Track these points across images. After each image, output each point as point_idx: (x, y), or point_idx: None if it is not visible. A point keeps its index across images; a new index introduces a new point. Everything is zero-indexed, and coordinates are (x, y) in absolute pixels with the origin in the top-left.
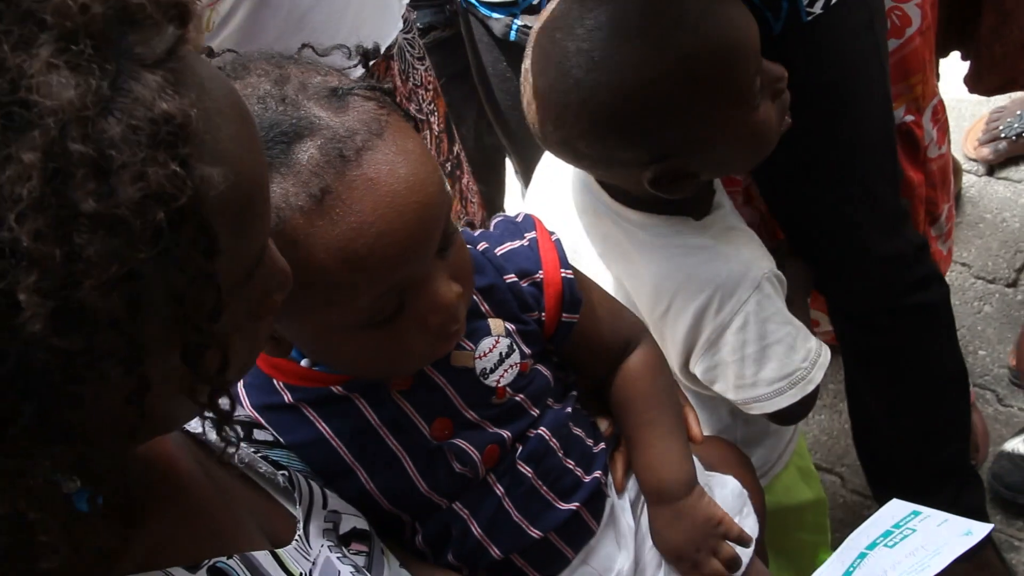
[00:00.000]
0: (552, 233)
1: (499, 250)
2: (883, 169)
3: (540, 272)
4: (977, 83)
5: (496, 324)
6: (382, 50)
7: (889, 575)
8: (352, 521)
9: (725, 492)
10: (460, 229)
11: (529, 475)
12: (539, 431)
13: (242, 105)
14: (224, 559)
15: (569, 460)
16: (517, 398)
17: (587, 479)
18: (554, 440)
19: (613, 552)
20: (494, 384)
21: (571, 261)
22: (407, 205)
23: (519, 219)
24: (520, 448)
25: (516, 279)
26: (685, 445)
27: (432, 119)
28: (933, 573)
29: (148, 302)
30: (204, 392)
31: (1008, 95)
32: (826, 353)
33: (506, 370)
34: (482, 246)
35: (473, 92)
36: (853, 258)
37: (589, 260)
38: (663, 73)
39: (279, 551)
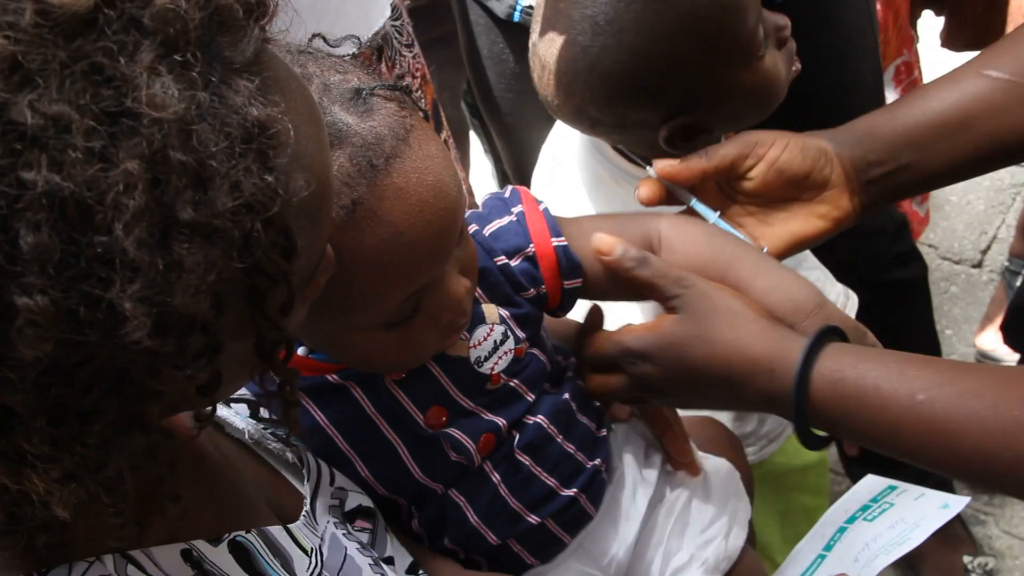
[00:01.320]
0: (540, 202)
1: (487, 229)
2: None
3: (531, 246)
4: (950, 39)
5: (490, 311)
6: (367, 38)
7: (870, 547)
8: (357, 498)
9: (719, 476)
10: None
11: (527, 463)
12: (537, 419)
13: (316, 106)
14: (243, 533)
15: (569, 444)
16: (512, 383)
17: (588, 465)
18: (552, 427)
19: (611, 536)
20: (488, 372)
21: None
22: (434, 213)
23: (506, 194)
24: (518, 437)
25: (506, 260)
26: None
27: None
28: (914, 545)
29: (230, 302)
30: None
31: None
32: None
33: (500, 357)
34: (472, 228)
35: (437, 67)
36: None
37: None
38: (665, 32)
39: (291, 527)
